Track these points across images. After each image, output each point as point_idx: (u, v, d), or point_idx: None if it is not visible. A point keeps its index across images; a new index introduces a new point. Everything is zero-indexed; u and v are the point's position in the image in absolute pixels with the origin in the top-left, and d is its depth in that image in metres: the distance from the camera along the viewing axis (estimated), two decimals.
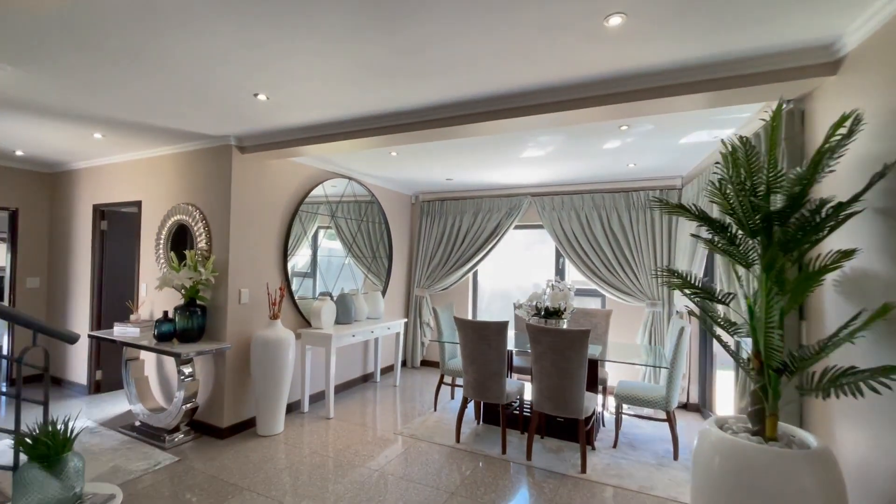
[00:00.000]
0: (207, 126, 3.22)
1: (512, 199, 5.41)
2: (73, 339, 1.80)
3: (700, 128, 3.04)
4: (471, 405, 4.35)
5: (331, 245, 4.68)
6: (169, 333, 3.41)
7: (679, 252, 4.31)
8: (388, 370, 5.60)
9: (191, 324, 3.38)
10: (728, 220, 1.99)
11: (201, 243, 3.59)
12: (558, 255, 5.39)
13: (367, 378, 5.19)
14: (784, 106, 2.34)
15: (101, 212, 4.46)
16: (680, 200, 4.59)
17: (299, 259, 4.22)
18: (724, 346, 1.91)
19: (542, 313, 3.79)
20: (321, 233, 4.50)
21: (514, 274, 5.87)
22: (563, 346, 3.01)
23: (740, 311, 2.25)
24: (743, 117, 2.82)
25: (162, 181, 3.92)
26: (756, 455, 1.64)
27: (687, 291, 2.01)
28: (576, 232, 5.02)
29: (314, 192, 4.29)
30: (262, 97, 2.62)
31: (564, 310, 3.69)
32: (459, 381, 4.40)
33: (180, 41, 1.99)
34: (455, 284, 5.72)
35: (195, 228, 3.62)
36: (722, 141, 1.85)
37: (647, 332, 4.64)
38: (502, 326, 3.27)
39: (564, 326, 3.73)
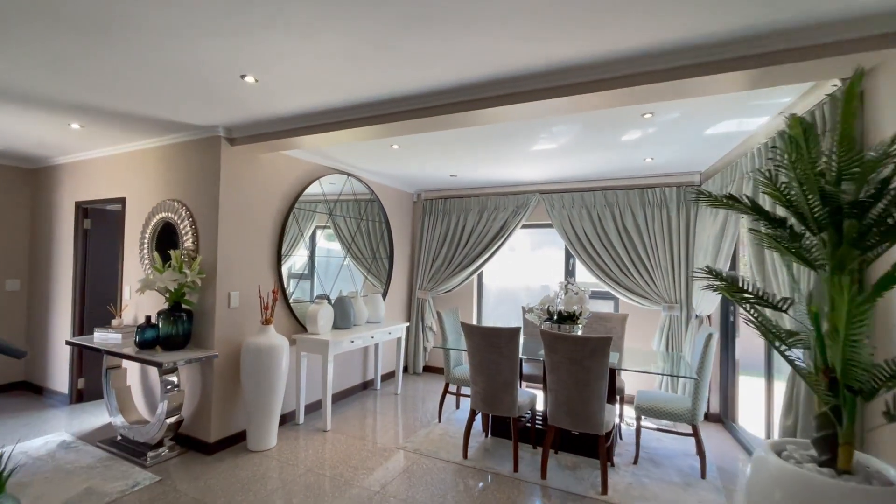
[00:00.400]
0: (193, 114, 2.95)
1: (519, 197, 5.15)
2: (19, 354, 1.54)
3: (730, 116, 2.78)
4: (478, 416, 4.07)
5: (329, 245, 4.41)
6: (152, 340, 3.14)
7: (699, 252, 4.05)
8: (388, 376, 5.33)
9: (175, 330, 3.11)
10: (785, 213, 1.72)
11: (187, 242, 3.32)
12: (568, 256, 5.12)
13: (366, 385, 4.92)
14: (837, 85, 2.08)
15: (83, 210, 4.19)
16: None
17: (295, 260, 3.96)
18: (790, 361, 1.63)
19: (555, 318, 3.53)
20: (319, 233, 4.24)
21: (521, 275, 5.60)
22: (583, 355, 2.74)
23: (797, 318, 1.97)
24: (782, 103, 2.55)
25: (147, 176, 3.65)
26: (828, 490, 1.37)
27: (731, 296, 1.74)
28: (587, 231, 4.76)
29: (311, 190, 4.02)
30: (249, 79, 2.36)
31: (580, 314, 3.42)
32: (466, 390, 4.11)
33: (152, 6, 1.73)
34: (459, 287, 5.46)
35: (181, 227, 3.36)
36: (790, 117, 1.58)
37: (664, 338, 4.37)
38: (514, 333, 3.00)
39: (579, 332, 3.47)
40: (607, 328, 4.13)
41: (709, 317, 4.14)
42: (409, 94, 2.54)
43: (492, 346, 3.04)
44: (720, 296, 3.72)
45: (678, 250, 4.36)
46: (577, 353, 2.75)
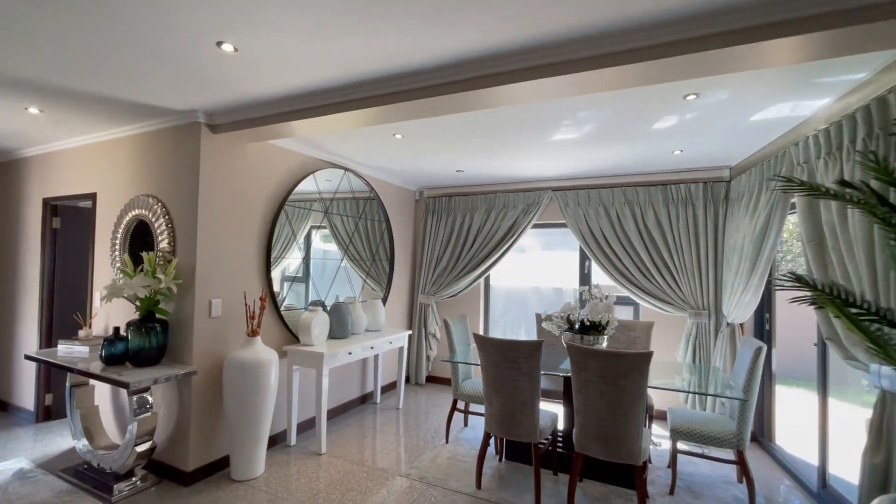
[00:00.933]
0: (167, 95, 2.57)
1: (530, 195, 4.78)
2: None
3: (786, 97, 2.41)
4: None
5: (325, 247, 4.03)
6: (120, 355, 2.75)
7: (731, 254, 3.68)
8: (389, 388, 4.94)
9: (148, 343, 2.72)
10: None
11: (163, 243, 2.93)
12: (583, 258, 4.75)
13: (365, 399, 4.53)
14: None
15: (52, 207, 3.79)
16: (728, 193, 3.97)
17: (288, 263, 3.57)
18: None
19: (577, 328, 3.15)
20: (314, 233, 3.85)
21: (531, 279, 5.22)
22: (617, 373, 2.36)
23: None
24: (853, 80, 2.19)
25: (119, 169, 3.26)
26: None
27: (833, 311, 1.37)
28: (604, 231, 4.39)
29: (305, 187, 3.64)
30: (228, 47, 1.97)
31: (606, 324, 3.05)
32: (475, 407, 3.68)
33: None
34: (465, 291, 5.08)
35: (156, 225, 2.97)
36: None
37: (691, 347, 4.00)
38: (535, 347, 2.62)
39: (604, 344, 3.09)
40: (630, 337, 3.76)
41: (741, 325, 3.78)
42: (418, 68, 2.16)
43: (509, 361, 2.66)
44: (756, 303, 3.39)
45: (705, 252, 4.00)
46: (611, 370, 2.37)
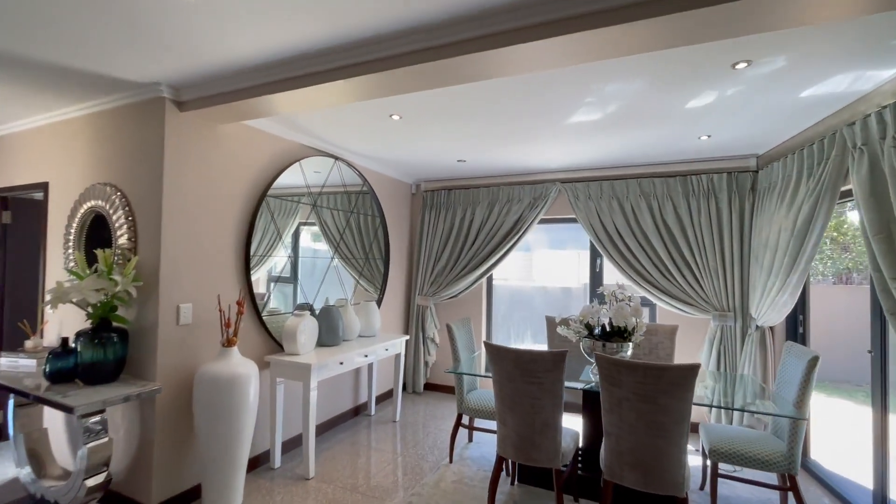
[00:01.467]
0: (122, 61, 2.15)
1: (536, 187, 4.41)
2: None
3: (852, 66, 2.07)
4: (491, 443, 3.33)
5: (313, 245, 3.63)
6: (68, 371, 2.33)
7: (762, 250, 3.35)
8: (384, 397, 4.55)
9: (102, 356, 2.30)
10: None
11: (122, 239, 2.52)
12: (594, 255, 4.40)
13: (358, 410, 4.14)
14: None
15: (1, 200, 3.34)
16: (755, 185, 3.64)
17: (274, 262, 3.16)
18: None
19: (599, 333, 2.80)
20: (302, 230, 3.45)
21: (538, 278, 4.86)
22: (659, 389, 2.00)
23: None
24: None
25: (73, 155, 2.83)
26: None
27: None
28: (618, 226, 4.04)
29: (291, 180, 3.23)
30: None
31: (633, 330, 2.70)
32: (484, 423, 3.24)
33: None
34: (466, 292, 4.70)
35: (114, 218, 2.55)
36: None
37: (715, 352, 3.67)
38: (559, 359, 2.25)
39: (628, 353, 2.74)
40: (652, 343, 3.41)
41: (771, 328, 3.45)
42: (418, 24, 1.78)
43: (528, 375, 2.29)
44: (792, 304, 3.06)
45: (730, 248, 3.67)
46: (651, 386, 2.01)
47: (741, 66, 2.06)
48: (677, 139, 3.23)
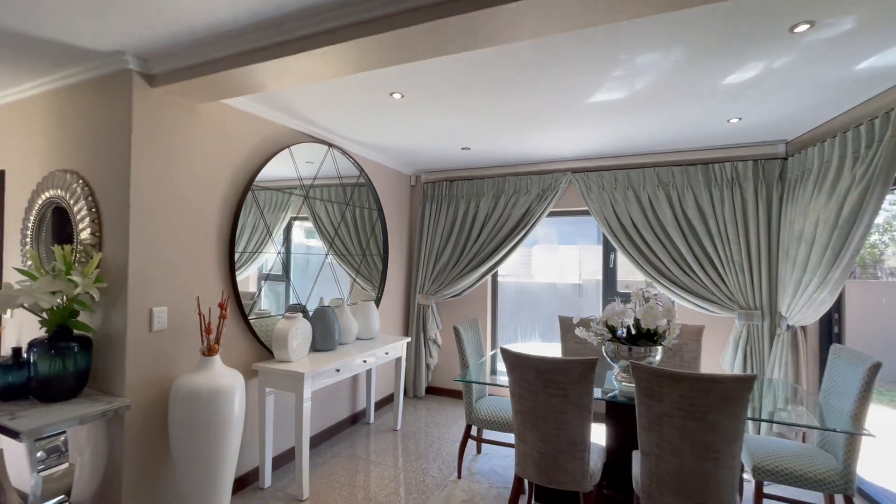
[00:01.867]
0: (77, 23, 1.83)
1: (545, 178, 4.12)
2: None
3: None
4: (502, 454, 3.06)
5: (306, 242, 3.32)
6: (20, 387, 2.01)
7: (792, 243, 3.09)
8: (384, 403, 4.26)
9: (61, 369, 1.99)
10: None
11: (84, 233, 2.20)
12: (608, 249, 4.12)
13: (356, 418, 3.84)
14: None
15: None
16: (784, 173, 3.37)
17: (259, 259, 2.85)
18: None
19: (624, 336, 2.52)
20: (294, 225, 3.14)
21: (546, 274, 4.59)
22: (708, 404, 1.73)
23: None
24: None
25: (31, 138, 2.50)
26: None
27: None
28: (634, 218, 3.76)
29: (280, 169, 2.92)
30: None
31: (664, 333, 2.42)
32: (495, 436, 2.94)
33: None
34: (469, 290, 4.41)
35: (75, 209, 2.23)
36: None
37: (741, 354, 3.41)
38: (587, 368, 1.97)
39: (658, 358, 2.47)
40: (677, 345, 3.14)
41: (803, 328, 3.19)
42: None
43: (552, 385, 2.01)
44: (832, 301, 2.81)
45: (756, 242, 3.40)
46: (700, 401, 1.74)
47: (801, 28, 1.78)
48: (704, 123, 2.95)
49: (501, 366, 3.23)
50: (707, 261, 3.56)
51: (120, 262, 2.11)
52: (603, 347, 2.60)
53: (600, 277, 4.14)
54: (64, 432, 1.98)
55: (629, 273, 4.04)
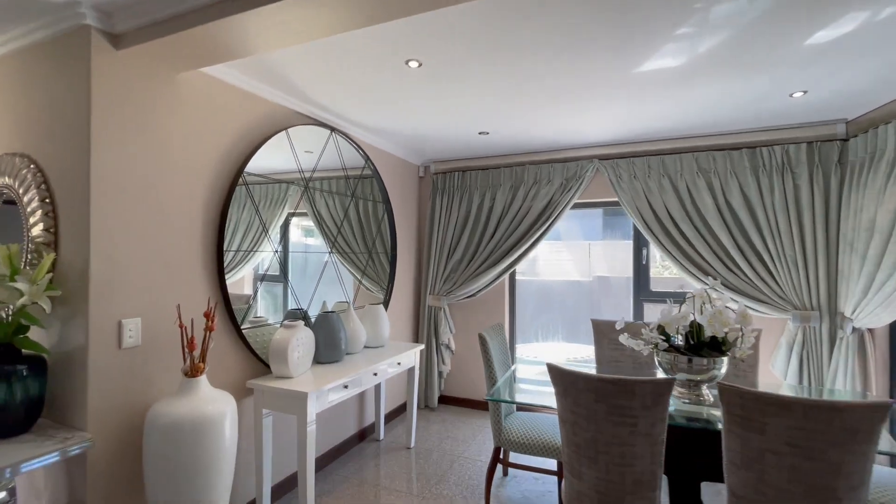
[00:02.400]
0: None
1: (569, 166, 3.74)
2: None
3: None
4: (532, 479, 2.68)
5: (306, 241, 2.92)
6: None
7: (859, 235, 2.72)
8: (394, 415, 3.88)
9: (6, 397, 1.59)
10: None
11: (36, 230, 1.80)
12: (639, 244, 3.75)
13: (364, 434, 3.46)
14: None
15: None
16: (844, 156, 3.00)
17: (257, 257, 2.46)
18: None
19: (682, 344, 2.15)
20: (293, 223, 2.74)
21: (568, 271, 4.21)
22: (828, 438, 1.35)
23: None
24: None
25: None
26: None
27: None
28: (671, 209, 3.39)
29: (276, 159, 2.52)
30: None
31: (735, 342, 2.05)
32: (524, 459, 2.53)
33: None
34: (485, 290, 4.02)
35: (25, 200, 1.83)
36: None
37: (796, 359, 3.05)
38: (663, 389, 1.59)
39: (723, 371, 2.09)
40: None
41: (870, 330, 2.83)
42: None
43: (616, 412, 1.63)
44: None
45: (812, 233, 3.03)
46: (816, 434, 1.36)
47: None
48: (764, 97, 2.57)
49: (522, 374, 2.85)
50: (755, 256, 3.19)
51: (79, 264, 1.71)
52: (657, 357, 2.22)
53: (630, 275, 3.77)
54: (11, 478, 1.59)
55: (665, 269, 3.67)
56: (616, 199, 3.63)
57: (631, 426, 1.61)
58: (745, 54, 2.04)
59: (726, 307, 2.03)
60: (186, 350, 1.87)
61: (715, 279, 2.20)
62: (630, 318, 3.72)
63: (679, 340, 2.21)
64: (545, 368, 3.10)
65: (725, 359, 2.09)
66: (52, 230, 1.77)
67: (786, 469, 1.41)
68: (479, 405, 4.14)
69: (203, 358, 1.90)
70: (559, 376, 1.73)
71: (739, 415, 1.48)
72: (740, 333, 2.02)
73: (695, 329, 2.15)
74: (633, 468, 1.64)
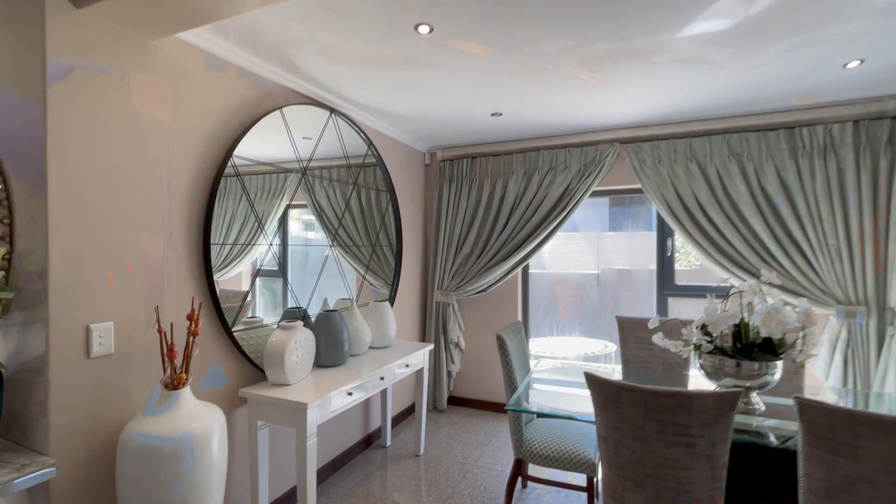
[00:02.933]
0: None
1: (588, 150, 3.47)
2: None
3: None
4: (556, 492, 2.45)
5: (307, 234, 2.67)
6: None
7: None
8: (400, 418, 3.65)
9: None
10: None
11: None
12: (663, 234, 3.49)
13: (370, 440, 3.23)
14: None
15: None
16: (893, 136, 2.73)
17: (255, 251, 2.21)
18: None
19: (730, 347, 1.90)
20: (292, 215, 2.49)
21: (585, 264, 3.96)
22: None
23: None
24: None
25: None
26: None
27: None
28: (699, 196, 3.12)
29: (272, 147, 2.25)
30: None
31: (794, 344, 1.79)
32: (543, 472, 2.30)
33: None
34: (497, 285, 3.77)
35: None
36: None
37: (840, 358, 2.80)
38: (726, 404, 1.34)
39: (777, 377, 1.85)
40: None
41: None
42: None
43: (669, 429, 1.38)
44: None
45: (859, 221, 2.77)
46: None
47: None
48: (817, 68, 2.29)
49: (538, 374, 2.61)
50: (793, 246, 2.93)
51: (37, 261, 1.47)
52: (700, 361, 1.98)
53: (653, 267, 3.51)
54: None
55: (690, 261, 3.41)
56: (639, 185, 3.37)
57: (688, 447, 1.37)
58: (804, 13, 1.77)
59: (786, 304, 1.78)
60: (167, 359, 1.63)
61: (769, 272, 1.94)
62: (653, 313, 3.47)
63: (721, 342, 1.96)
64: (562, 364, 2.87)
65: (780, 363, 1.84)
66: (6, 221, 1.52)
67: (884, 502, 1.16)
68: (491, 406, 3.91)
69: (186, 367, 1.65)
70: (600, 387, 1.48)
71: (823, 435, 1.23)
72: (801, 335, 1.76)
73: (743, 328, 1.89)
74: (690, 495, 1.39)
